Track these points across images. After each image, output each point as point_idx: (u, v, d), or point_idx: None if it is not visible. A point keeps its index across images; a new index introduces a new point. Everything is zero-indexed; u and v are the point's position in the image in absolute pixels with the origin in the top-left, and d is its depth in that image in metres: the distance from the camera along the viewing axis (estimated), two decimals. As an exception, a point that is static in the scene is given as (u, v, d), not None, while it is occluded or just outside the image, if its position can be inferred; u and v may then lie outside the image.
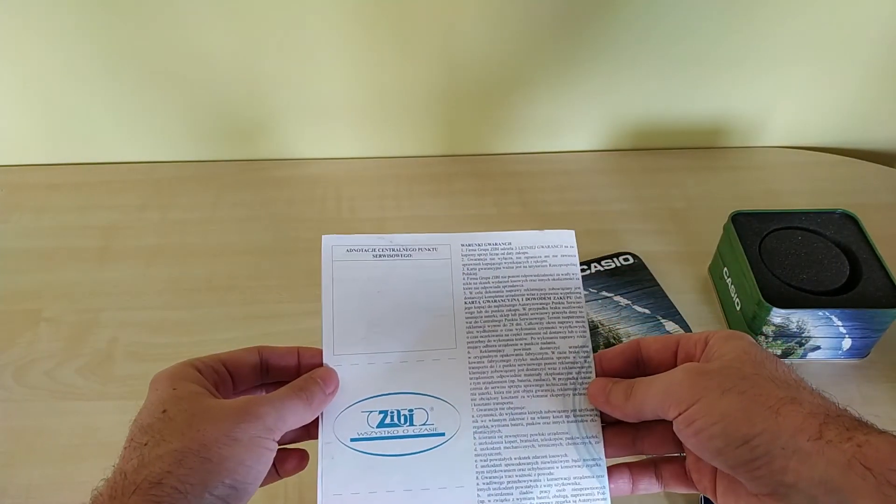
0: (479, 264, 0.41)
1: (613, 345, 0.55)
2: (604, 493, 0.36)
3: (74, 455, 0.51)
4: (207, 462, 0.31)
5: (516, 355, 0.39)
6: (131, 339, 0.59)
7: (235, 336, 0.59)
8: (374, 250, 0.40)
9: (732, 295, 0.58)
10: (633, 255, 0.64)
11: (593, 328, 0.58)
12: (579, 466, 0.36)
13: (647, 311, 0.59)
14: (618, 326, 0.58)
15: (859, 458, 0.27)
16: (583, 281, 0.62)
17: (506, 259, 0.41)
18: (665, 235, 0.68)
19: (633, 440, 0.37)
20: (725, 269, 0.60)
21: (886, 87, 0.73)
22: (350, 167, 0.76)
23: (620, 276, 0.62)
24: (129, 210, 0.71)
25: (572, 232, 0.42)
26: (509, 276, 0.40)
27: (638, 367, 0.38)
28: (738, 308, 0.57)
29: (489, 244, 0.41)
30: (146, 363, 0.57)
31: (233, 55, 0.67)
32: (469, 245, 0.41)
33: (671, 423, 0.32)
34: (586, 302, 0.60)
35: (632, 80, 0.72)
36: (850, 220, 0.59)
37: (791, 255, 0.56)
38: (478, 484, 0.36)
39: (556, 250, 0.41)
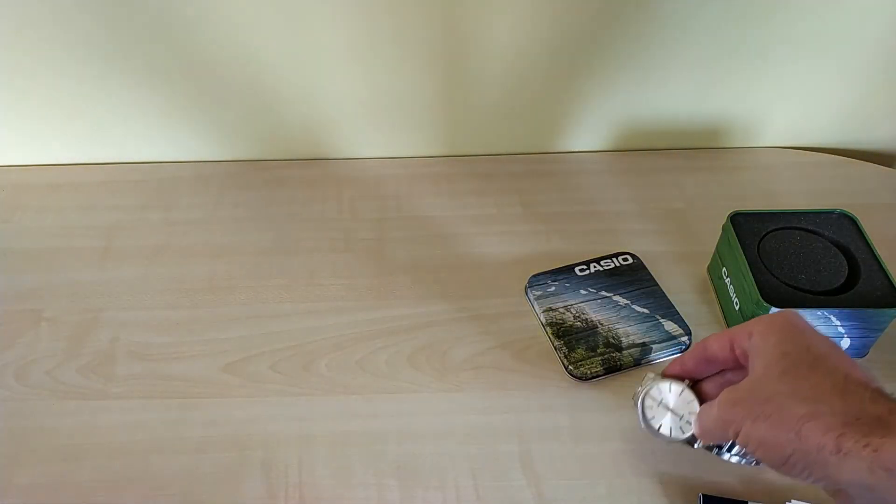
0: None
1: (613, 344, 0.57)
2: None
3: (75, 455, 0.51)
4: None
5: None
6: (132, 339, 0.59)
7: (236, 336, 0.59)
8: None
9: (731, 295, 0.58)
10: (633, 255, 0.64)
11: (592, 328, 0.58)
12: None
13: (645, 310, 0.59)
14: (617, 326, 0.58)
15: (878, 463, 0.30)
16: (582, 281, 0.62)
17: None
18: (664, 235, 0.68)
19: None
20: (724, 268, 0.60)
21: (886, 88, 0.73)
22: (350, 167, 0.77)
23: (619, 276, 0.62)
24: (131, 210, 0.71)
25: None
26: None
27: (709, 364, 0.44)
28: (736, 308, 0.57)
29: None
30: (147, 363, 0.57)
31: (234, 56, 0.67)
32: None
33: None
34: (585, 301, 0.60)
35: (632, 80, 0.72)
36: (848, 220, 0.59)
37: (790, 255, 0.57)
38: None
39: None
